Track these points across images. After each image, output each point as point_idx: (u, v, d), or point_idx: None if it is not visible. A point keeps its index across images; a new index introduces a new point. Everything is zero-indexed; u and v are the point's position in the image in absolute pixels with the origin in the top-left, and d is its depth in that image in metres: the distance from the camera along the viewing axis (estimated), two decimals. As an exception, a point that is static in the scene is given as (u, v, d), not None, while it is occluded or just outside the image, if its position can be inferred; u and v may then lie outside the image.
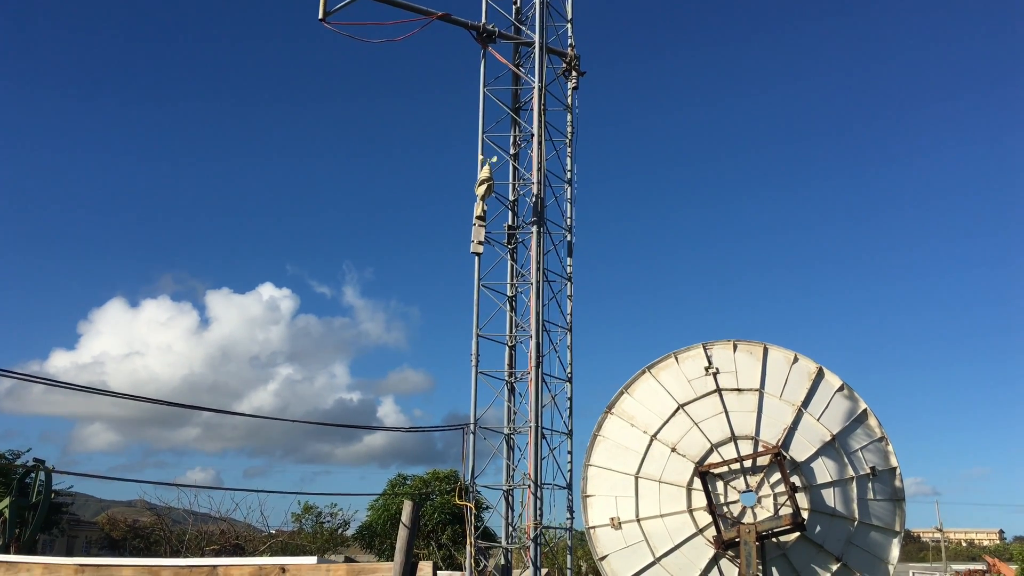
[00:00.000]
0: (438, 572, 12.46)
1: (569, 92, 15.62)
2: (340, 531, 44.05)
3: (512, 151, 15.23)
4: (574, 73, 15.78)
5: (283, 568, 11.30)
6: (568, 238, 15.22)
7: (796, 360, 14.99)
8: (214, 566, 11.97)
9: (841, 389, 14.87)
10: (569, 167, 15.50)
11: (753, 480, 13.87)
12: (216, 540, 36.27)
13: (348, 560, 12.13)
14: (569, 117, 15.60)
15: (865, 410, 14.88)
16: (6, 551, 20.91)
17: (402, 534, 9.74)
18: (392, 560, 10.23)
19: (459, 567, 14.78)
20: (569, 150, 15.56)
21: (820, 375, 14.86)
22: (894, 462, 14.70)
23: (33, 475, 23.41)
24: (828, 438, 14.20)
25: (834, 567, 13.83)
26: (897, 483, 14.61)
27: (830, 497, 13.95)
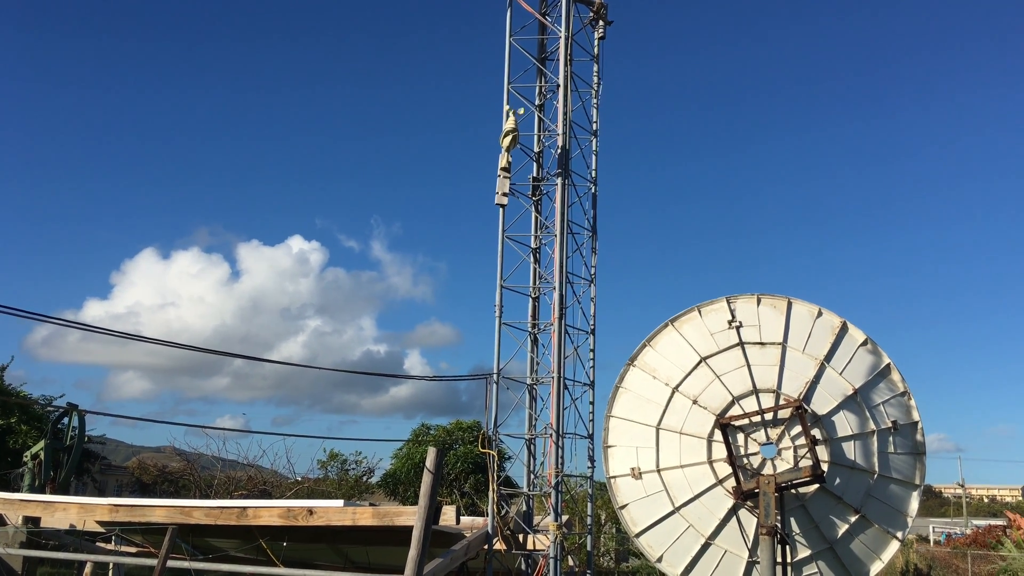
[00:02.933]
0: (461, 517, 12.75)
1: (596, 42, 15.44)
2: (365, 478, 44.85)
3: (537, 102, 15.12)
4: (601, 22, 15.57)
5: (311, 511, 11.63)
6: (592, 190, 15.17)
7: (820, 314, 14.97)
8: (244, 507, 12.34)
9: (865, 344, 14.84)
10: (595, 118, 15.38)
11: (774, 433, 13.96)
12: (244, 486, 37.09)
13: (373, 506, 12.43)
14: (596, 67, 15.43)
15: (888, 364, 14.86)
16: (42, 492, 21.57)
17: (426, 479, 9.96)
18: (416, 505, 10.49)
19: (481, 514, 15.07)
20: (595, 101, 15.43)
21: (844, 329, 14.83)
22: (916, 416, 14.72)
23: (66, 419, 24.02)
24: (850, 392, 14.23)
25: (853, 518, 13.96)
26: (918, 437, 14.64)
27: (850, 450, 14.02)
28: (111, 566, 14.35)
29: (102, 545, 14.84)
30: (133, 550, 15.24)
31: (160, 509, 12.94)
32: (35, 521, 13.82)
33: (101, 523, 13.75)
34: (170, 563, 11.56)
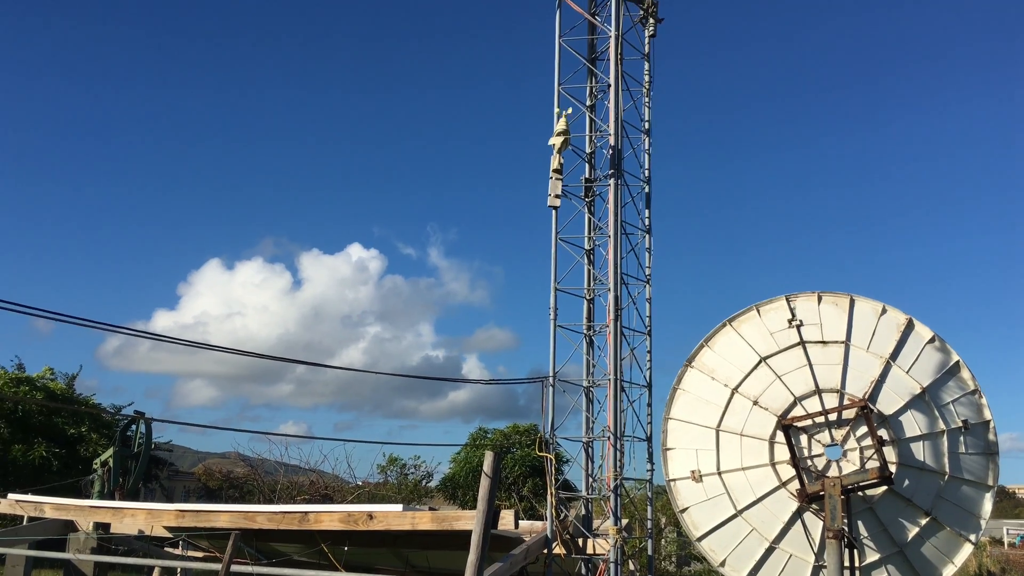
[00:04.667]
0: (520, 521, 12.70)
1: (646, 40, 15.28)
2: (424, 483, 45.15)
3: (588, 102, 15.02)
4: (651, 20, 15.42)
5: (370, 515, 11.71)
6: (646, 190, 15.00)
7: (884, 311, 14.57)
8: (306, 512, 12.49)
9: (932, 341, 14.40)
10: (646, 117, 15.22)
11: (838, 434, 13.63)
12: (306, 490, 37.61)
13: (432, 510, 12.47)
14: (647, 66, 15.27)
15: (958, 362, 14.40)
16: (111, 498, 22.16)
17: (484, 483, 9.95)
18: (475, 509, 10.48)
19: (540, 518, 15.01)
20: (647, 100, 15.27)
21: (910, 326, 14.42)
22: (988, 415, 14.23)
23: (134, 427, 24.64)
24: (918, 391, 13.81)
25: (923, 521, 13.55)
26: (991, 437, 14.15)
27: (919, 451, 13.62)
28: (178, 571, 14.67)
29: (169, 550, 15.16)
30: (200, 555, 15.54)
31: (224, 514, 13.18)
32: (105, 527, 14.20)
33: (168, 528, 14.05)
34: (235, 568, 11.75)
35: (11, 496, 16.21)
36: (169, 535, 14.49)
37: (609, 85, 14.45)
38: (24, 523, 15.38)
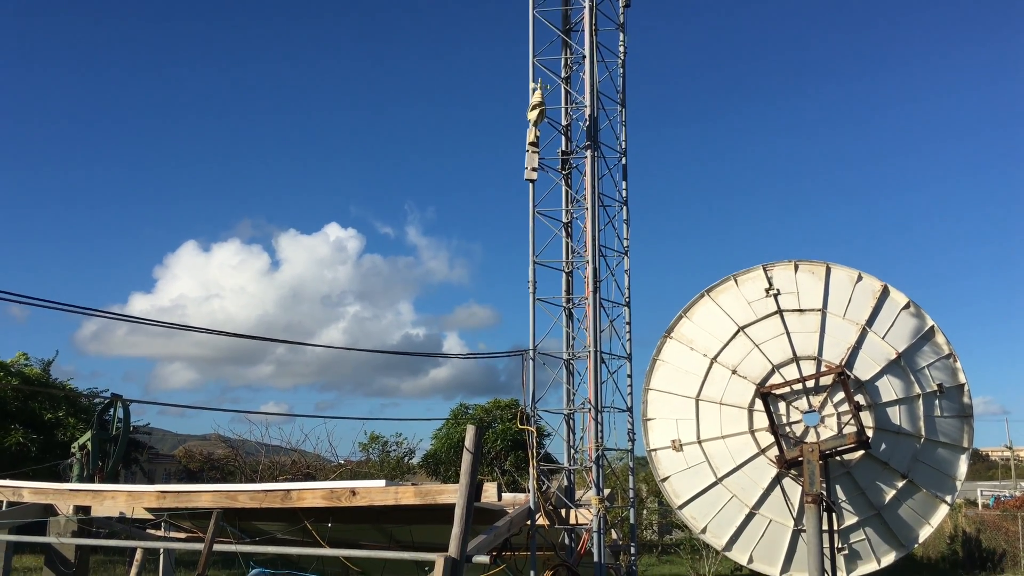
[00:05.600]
0: (503, 494, 12.75)
1: (621, 9, 15.17)
2: (406, 459, 45.28)
3: (564, 74, 14.92)
4: (625, -10, 15.28)
5: (353, 491, 11.70)
6: (622, 161, 14.96)
7: (860, 279, 14.70)
8: (288, 490, 12.45)
9: (907, 307, 14.57)
10: (621, 88, 15.15)
11: (816, 400, 13.79)
12: (288, 470, 37.61)
13: (415, 485, 12.49)
14: (621, 36, 15.18)
15: (932, 327, 14.58)
16: (91, 482, 22.02)
17: (466, 458, 9.95)
18: (457, 484, 10.49)
19: (523, 491, 15.09)
20: (621, 71, 15.18)
21: (885, 293, 14.57)
22: (962, 379, 14.44)
23: (112, 409, 24.47)
24: (893, 356, 13.98)
25: (900, 484, 13.77)
26: (965, 400, 14.37)
27: (895, 415, 13.81)
28: (162, 551, 14.62)
29: (152, 532, 15.10)
30: (183, 536, 15.48)
31: (206, 494, 13.12)
32: (86, 510, 14.08)
33: (149, 510, 13.97)
34: (219, 547, 11.73)
35: (-11, 482, 16.04)
36: (151, 517, 14.41)
37: (584, 56, 14.36)
38: (3, 508, 15.25)
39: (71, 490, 15.16)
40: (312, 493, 12.04)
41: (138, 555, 13.25)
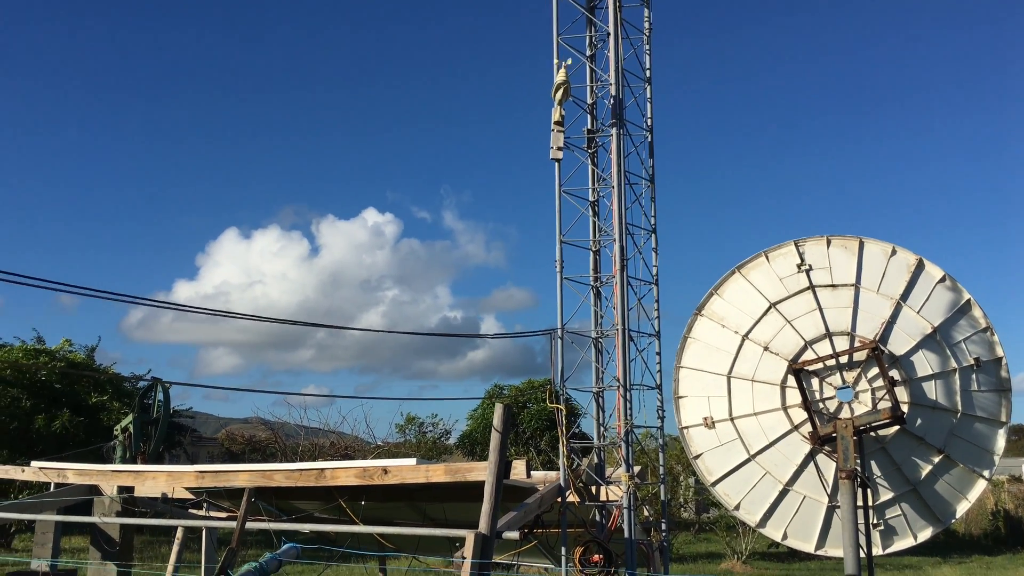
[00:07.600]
0: (532, 472, 12.85)
1: (646, -15, 14.99)
2: (442, 440, 45.70)
3: (588, 52, 14.81)
4: (651, -35, 15.11)
5: (385, 470, 11.87)
6: (648, 138, 14.84)
7: (894, 252, 14.47)
8: (322, 469, 12.67)
9: (943, 280, 14.32)
10: (647, 65, 15.00)
11: (850, 376, 13.65)
12: (326, 451, 38.18)
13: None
14: (647, 12, 15.02)
15: (969, 300, 14.33)
16: (133, 464, 22.57)
17: (494, 436, 10.08)
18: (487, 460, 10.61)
19: (556, 469, 15.20)
20: (647, 47, 15.04)
21: (920, 266, 14.33)
22: (1000, 352, 14.19)
23: (153, 392, 25.01)
24: (929, 331, 13.77)
25: (936, 459, 13.61)
26: (1003, 373, 14.12)
27: (931, 390, 13.62)
28: (204, 531, 14.97)
29: (193, 512, 15.46)
30: (223, 515, 15.84)
31: (243, 473, 13.40)
32: (129, 490, 14.47)
33: (189, 489, 14.31)
34: (255, 524, 11.99)
35: (35, 464, 16.53)
36: (191, 496, 14.76)
37: (608, 34, 14.24)
38: (50, 490, 15.71)
39: (114, 471, 15.59)
40: (345, 472, 12.23)
41: (179, 534, 13.58)
